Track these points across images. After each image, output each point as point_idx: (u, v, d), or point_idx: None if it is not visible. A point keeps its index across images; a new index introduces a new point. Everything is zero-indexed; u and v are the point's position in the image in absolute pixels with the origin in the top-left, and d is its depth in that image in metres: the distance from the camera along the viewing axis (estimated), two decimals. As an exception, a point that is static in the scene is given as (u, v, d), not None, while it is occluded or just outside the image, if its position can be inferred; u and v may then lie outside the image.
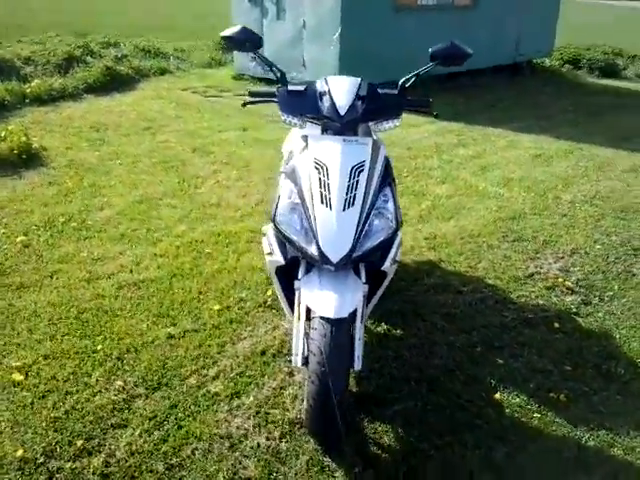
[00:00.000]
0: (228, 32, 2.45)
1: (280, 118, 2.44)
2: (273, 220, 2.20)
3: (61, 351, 2.68)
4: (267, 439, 2.24)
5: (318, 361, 2.00)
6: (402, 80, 2.45)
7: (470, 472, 2.13)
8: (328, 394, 1.98)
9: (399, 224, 2.22)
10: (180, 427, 2.27)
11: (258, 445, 2.21)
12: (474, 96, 8.49)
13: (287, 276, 2.28)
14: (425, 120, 6.58)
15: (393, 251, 2.25)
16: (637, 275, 3.58)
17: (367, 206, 2.14)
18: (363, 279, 2.17)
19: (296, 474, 2.10)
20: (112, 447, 2.17)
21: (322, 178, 2.14)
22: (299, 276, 2.18)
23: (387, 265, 2.23)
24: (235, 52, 9.15)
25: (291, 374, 2.58)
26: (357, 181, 2.14)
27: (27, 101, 7.01)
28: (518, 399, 2.50)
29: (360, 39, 7.48)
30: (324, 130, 2.38)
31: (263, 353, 2.72)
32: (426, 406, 2.44)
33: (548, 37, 10.66)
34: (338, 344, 2.01)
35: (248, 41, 2.45)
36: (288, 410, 2.38)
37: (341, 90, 2.32)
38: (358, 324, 2.12)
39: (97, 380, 2.51)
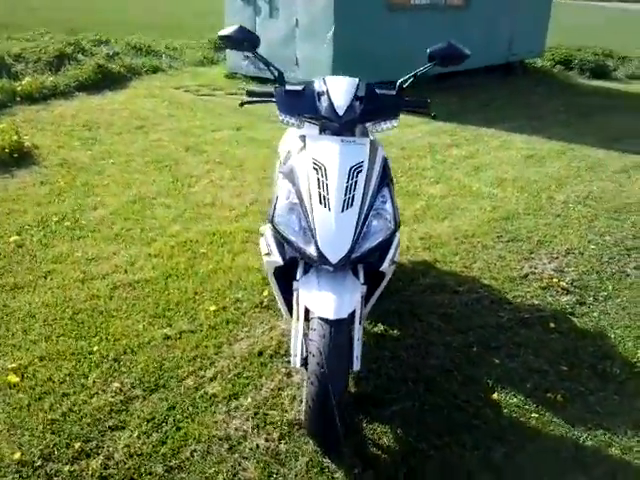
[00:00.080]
0: (226, 31, 2.43)
1: (278, 118, 2.43)
2: (271, 220, 2.19)
3: (57, 352, 2.66)
4: (266, 440, 2.23)
5: (317, 362, 1.99)
6: (400, 81, 2.45)
7: (469, 472, 2.14)
8: (327, 395, 1.98)
9: (397, 225, 2.22)
10: (178, 429, 2.26)
11: (257, 446, 2.20)
12: (467, 96, 8.52)
13: (285, 277, 2.27)
14: (419, 120, 6.60)
15: (391, 252, 2.24)
16: (631, 275, 3.60)
17: (365, 207, 2.13)
18: (361, 280, 2.17)
19: (296, 475, 2.09)
20: (110, 449, 2.16)
21: (320, 179, 2.13)
22: (297, 277, 2.17)
23: (385, 266, 2.23)
24: (227, 51, 9.13)
25: (289, 375, 2.58)
26: (355, 182, 2.14)
27: (18, 99, 6.96)
28: (515, 399, 2.51)
29: (353, 38, 7.49)
30: (322, 130, 2.37)
31: (260, 354, 2.71)
32: (424, 406, 2.45)
33: (540, 37, 10.72)
34: (337, 345, 2.01)
35: (246, 40, 2.43)
36: (287, 411, 2.38)
37: (339, 90, 2.32)
38: (357, 325, 2.11)
39: (94, 382, 2.49)
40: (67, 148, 5.48)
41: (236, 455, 2.17)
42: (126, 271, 3.38)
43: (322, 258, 2.05)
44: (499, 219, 4.32)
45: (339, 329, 2.01)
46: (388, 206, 2.19)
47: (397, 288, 3.26)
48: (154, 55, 9.97)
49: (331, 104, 2.28)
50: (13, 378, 2.47)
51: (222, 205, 4.38)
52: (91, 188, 4.57)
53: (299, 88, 2.41)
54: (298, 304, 2.14)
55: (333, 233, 2.06)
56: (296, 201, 2.16)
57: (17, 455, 2.10)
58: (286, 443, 2.23)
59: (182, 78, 9.10)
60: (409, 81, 2.45)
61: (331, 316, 2.00)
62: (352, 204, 2.09)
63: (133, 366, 2.60)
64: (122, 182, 4.73)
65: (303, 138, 2.29)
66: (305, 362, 2.09)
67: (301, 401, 2.37)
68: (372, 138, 2.47)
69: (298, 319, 2.14)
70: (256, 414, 2.36)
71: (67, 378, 2.50)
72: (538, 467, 2.19)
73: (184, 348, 2.73)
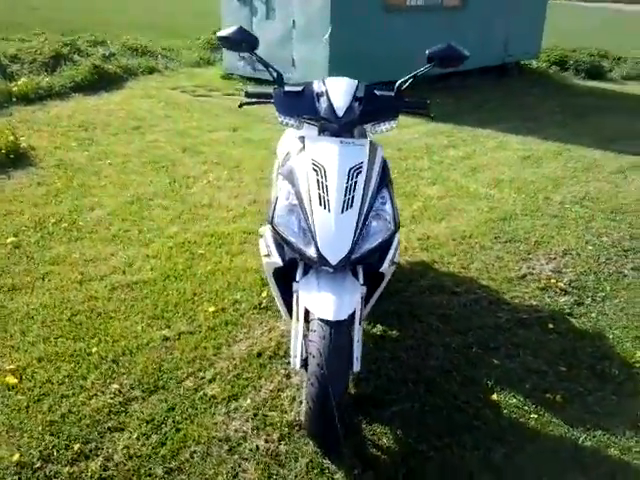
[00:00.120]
0: (224, 32, 2.43)
1: (277, 119, 2.43)
2: (271, 222, 2.19)
3: (55, 354, 2.65)
4: (266, 442, 2.23)
5: (317, 363, 1.99)
6: (399, 82, 2.45)
7: (470, 473, 2.14)
8: (327, 396, 1.98)
9: (397, 226, 2.22)
10: (178, 430, 2.26)
11: (257, 448, 2.20)
12: (463, 97, 8.53)
13: (284, 278, 2.27)
14: (415, 121, 6.60)
15: (391, 253, 2.25)
16: (628, 276, 3.62)
17: (365, 208, 2.13)
18: (361, 281, 2.17)
19: (296, 476, 2.09)
20: (110, 451, 2.15)
21: (320, 180, 2.13)
22: (297, 278, 2.17)
23: (385, 267, 2.23)
24: (224, 51, 9.13)
25: (288, 376, 2.58)
26: (355, 183, 2.14)
27: (14, 100, 6.94)
28: (515, 400, 2.51)
29: (350, 39, 7.49)
30: (321, 131, 2.38)
31: (259, 355, 2.71)
32: (424, 407, 2.45)
33: (535, 39, 10.75)
34: (337, 346, 2.01)
35: (245, 41, 2.43)
36: (286, 412, 2.37)
37: (339, 91, 2.32)
38: (357, 326, 2.12)
39: (93, 383, 2.48)
40: (64, 149, 5.47)
41: (236, 456, 2.17)
42: (124, 272, 3.37)
43: (322, 259, 2.05)
44: (496, 220, 4.33)
45: (339, 330, 2.01)
46: (388, 207, 2.20)
47: (396, 289, 3.26)
48: (150, 56, 9.95)
49: (330, 105, 2.28)
50: (12, 379, 2.46)
51: (220, 206, 4.37)
52: (88, 189, 4.56)
53: (298, 89, 2.41)
54: (298, 305, 2.14)
55: (333, 234, 2.06)
56: (296, 202, 2.16)
57: (16, 457, 2.10)
58: (286, 444, 2.22)
59: (178, 79, 9.09)
60: (408, 82, 2.45)
61: (331, 317, 2.00)
62: (352, 205, 2.10)
63: (132, 367, 2.59)
64: (119, 183, 4.72)
65: (302, 139, 2.29)
66: (305, 363, 2.09)
67: (301, 402, 2.37)
68: (371, 139, 2.47)
69: (298, 320, 2.13)
70: (256, 415, 2.35)
71: (66, 379, 2.50)
72: (538, 467, 2.19)
73: (183, 349, 2.73)
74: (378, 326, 2.96)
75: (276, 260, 2.23)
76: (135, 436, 2.22)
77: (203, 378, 2.55)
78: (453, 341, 2.89)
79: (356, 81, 2.40)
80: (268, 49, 7.87)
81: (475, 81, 9.41)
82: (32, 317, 2.92)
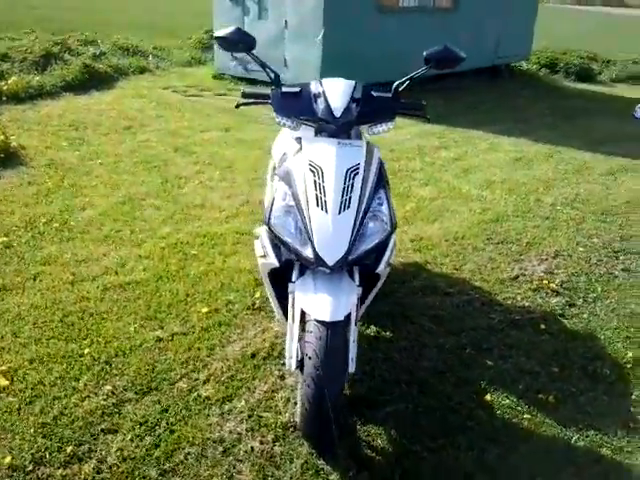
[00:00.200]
0: (222, 33, 2.42)
1: (274, 120, 2.42)
2: (267, 222, 2.19)
3: (47, 355, 2.63)
4: (261, 443, 2.22)
5: (313, 364, 1.99)
6: (396, 83, 2.45)
7: (464, 473, 2.15)
8: (323, 397, 1.98)
9: (394, 227, 2.22)
10: (172, 432, 2.25)
11: (252, 449, 2.19)
12: (454, 99, 8.56)
13: (280, 279, 2.26)
14: (407, 122, 6.62)
15: (387, 254, 2.25)
16: (619, 277, 3.64)
17: (362, 209, 2.14)
18: (357, 281, 2.17)
19: (291, 478, 2.09)
20: (103, 453, 2.14)
21: (317, 181, 2.13)
22: (293, 279, 2.17)
23: (381, 268, 2.24)
24: (215, 51, 9.10)
25: (282, 377, 2.57)
26: (352, 184, 2.14)
27: (4, 99, 6.87)
28: (508, 400, 2.53)
29: (343, 39, 7.49)
30: (318, 132, 2.37)
31: (253, 356, 2.70)
32: (418, 408, 2.45)
33: (526, 41, 10.82)
34: (333, 347, 2.01)
35: (242, 42, 2.43)
36: (281, 413, 2.37)
37: (336, 92, 2.32)
38: (352, 327, 2.12)
39: (85, 384, 2.46)
40: (54, 148, 5.42)
41: (230, 458, 2.16)
42: (116, 273, 3.35)
43: (319, 260, 2.05)
44: (489, 221, 4.35)
45: (335, 331, 2.01)
46: (384, 208, 2.20)
47: (389, 290, 3.26)
48: (141, 55, 9.90)
49: (328, 106, 2.28)
50: (3, 381, 2.44)
51: (212, 206, 4.36)
52: (79, 189, 4.53)
53: (296, 90, 2.40)
54: (294, 306, 2.13)
55: (330, 235, 2.06)
56: (292, 203, 2.15)
57: (8, 459, 2.08)
58: (281, 445, 2.22)
59: (170, 78, 9.05)
60: (405, 84, 2.45)
61: (327, 318, 1.99)
62: (349, 206, 2.10)
63: (125, 369, 2.57)
64: (111, 183, 4.69)
65: (299, 140, 2.29)
66: (300, 364, 2.09)
67: (295, 403, 2.37)
68: (367, 140, 2.47)
69: (293, 321, 2.13)
70: (250, 416, 2.35)
71: (58, 381, 2.47)
72: (532, 468, 2.20)
73: (176, 350, 2.71)
74: (372, 327, 2.96)
75: (272, 261, 2.23)
76: (129, 438, 2.21)
77: (197, 379, 2.54)
78: (446, 342, 2.90)
79: (353, 82, 2.40)
80: (260, 49, 7.83)
81: (466, 83, 9.45)
82: (23, 318, 2.89)
